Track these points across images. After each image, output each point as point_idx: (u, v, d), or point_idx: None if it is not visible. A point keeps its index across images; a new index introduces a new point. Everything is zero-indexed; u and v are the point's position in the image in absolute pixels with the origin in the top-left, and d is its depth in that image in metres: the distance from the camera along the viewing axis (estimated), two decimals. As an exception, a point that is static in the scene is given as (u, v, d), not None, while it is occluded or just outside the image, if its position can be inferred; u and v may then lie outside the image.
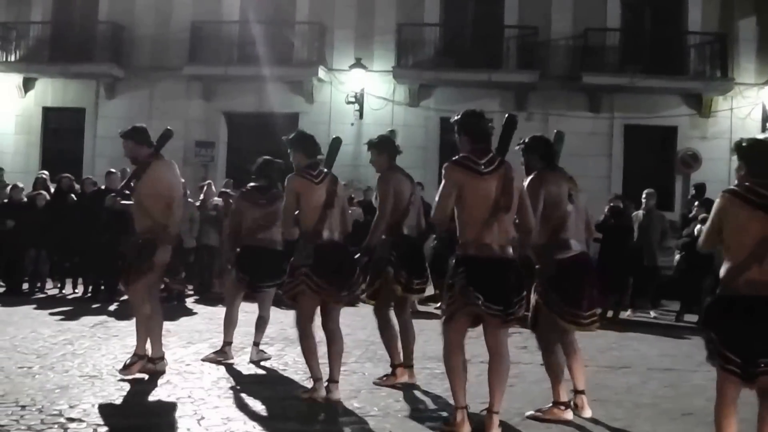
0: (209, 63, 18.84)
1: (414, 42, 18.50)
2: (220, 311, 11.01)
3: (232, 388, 6.23)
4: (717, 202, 4.28)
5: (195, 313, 10.80)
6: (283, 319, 9.68)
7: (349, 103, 18.63)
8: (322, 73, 18.76)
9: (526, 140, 5.80)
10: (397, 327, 6.65)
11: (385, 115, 18.79)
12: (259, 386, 6.35)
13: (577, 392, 5.79)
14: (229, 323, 7.44)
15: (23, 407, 5.31)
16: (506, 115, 5.38)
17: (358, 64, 18.33)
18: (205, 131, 19.28)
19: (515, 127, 5.26)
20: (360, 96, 18.58)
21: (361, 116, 18.65)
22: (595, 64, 17.94)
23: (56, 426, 4.93)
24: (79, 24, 20.15)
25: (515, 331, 9.62)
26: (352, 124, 18.56)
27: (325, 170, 6.01)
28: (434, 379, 6.61)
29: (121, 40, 19.50)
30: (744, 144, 4.40)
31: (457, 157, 5.14)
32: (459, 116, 5.29)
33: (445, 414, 5.64)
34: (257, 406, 5.71)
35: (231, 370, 6.90)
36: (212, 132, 19.29)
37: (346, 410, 5.69)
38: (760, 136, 4.51)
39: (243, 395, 6.01)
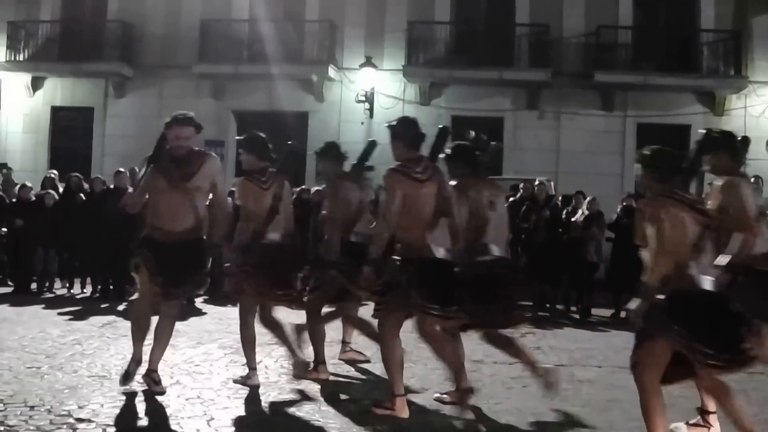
0: (219, 61, 18.81)
1: (425, 40, 18.44)
2: (230, 311, 11.02)
3: (242, 388, 6.15)
4: (651, 209, 4.50)
5: (204, 313, 10.75)
6: (294, 319, 9.62)
7: (359, 101, 18.57)
8: (332, 71, 18.70)
9: (449, 149, 5.92)
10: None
11: (395, 113, 18.59)
12: (269, 387, 6.28)
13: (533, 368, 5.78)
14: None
15: (32, 407, 5.27)
16: (439, 127, 5.77)
17: (369, 62, 18.26)
18: (214, 130, 19.21)
19: (447, 138, 5.74)
20: (370, 95, 18.51)
21: (371, 115, 18.58)
22: (607, 61, 17.84)
23: (65, 426, 4.88)
24: (89, 23, 20.15)
25: (528, 331, 9.57)
26: (363, 123, 18.51)
27: (274, 173, 6.25)
28: (447, 381, 6.52)
29: (130, 39, 19.51)
30: (647, 153, 4.73)
31: (395, 165, 5.39)
32: (395, 122, 5.58)
33: (456, 412, 5.57)
34: (267, 406, 5.65)
35: (241, 371, 6.82)
36: (222, 131, 19.26)
37: (360, 409, 5.61)
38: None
39: (253, 396, 5.94)
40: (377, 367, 7.12)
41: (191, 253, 5.82)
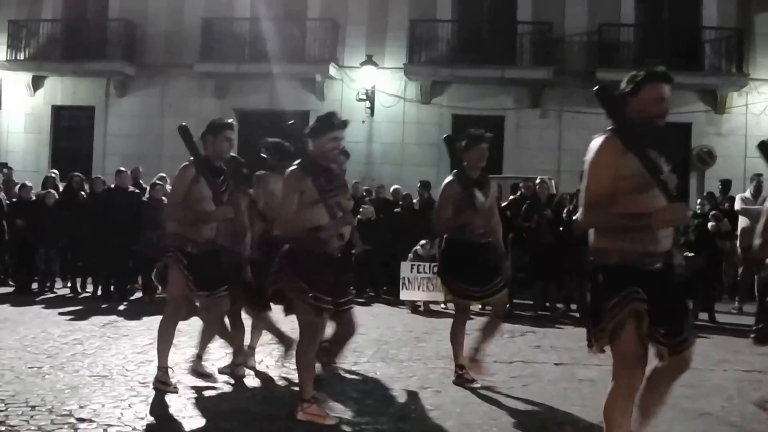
0: (221, 60, 18.82)
1: (426, 38, 18.41)
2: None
3: (245, 389, 6.17)
4: (291, 182, 5.36)
5: (206, 312, 10.71)
6: (295, 321, 9.60)
7: (360, 100, 18.56)
8: (333, 70, 18.68)
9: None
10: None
11: (396, 112, 18.72)
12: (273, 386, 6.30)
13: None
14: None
15: (33, 407, 5.27)
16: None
17: (370, 60, 18.24)
18: (216, 129, 19.22)
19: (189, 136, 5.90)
20: (371, 93, 18.49)
21: (372, 113, 18.57)
22: (610, 60, 17.74)
23: (66, 426, 4.88)
24: (90, 21, 20.16)
25: (529, 330, 9.57)
26: (363, 122, 18.51)
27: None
28: (447, 379, 6.53)
29: (132, 38, 19.51)
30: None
31: None
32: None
33: (458, 411, 5.55)
34: (271, 406, 5.64)
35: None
36: (224, 130, 19.22)
37: (361, 410, 5.60)
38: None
39: (256, 395, 5.95)
40: (378, 366, 7.14)
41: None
